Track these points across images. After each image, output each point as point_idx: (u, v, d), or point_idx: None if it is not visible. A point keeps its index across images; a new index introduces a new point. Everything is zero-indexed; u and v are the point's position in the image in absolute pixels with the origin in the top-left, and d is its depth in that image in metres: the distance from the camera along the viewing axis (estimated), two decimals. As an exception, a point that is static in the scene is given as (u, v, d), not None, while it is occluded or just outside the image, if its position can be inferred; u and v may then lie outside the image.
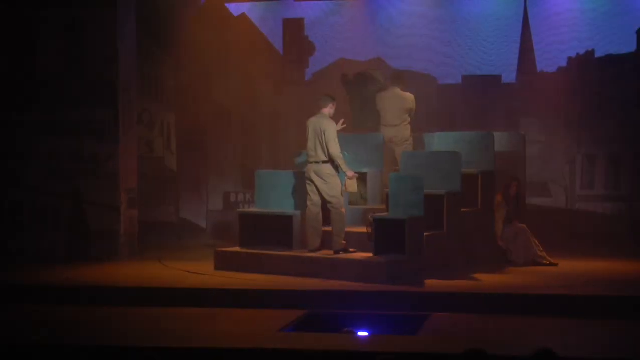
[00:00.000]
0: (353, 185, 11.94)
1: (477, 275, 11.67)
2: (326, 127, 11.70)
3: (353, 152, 13.37)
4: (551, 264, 12.59)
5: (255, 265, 12.22)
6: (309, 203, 11.95)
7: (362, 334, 9.56)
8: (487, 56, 16.51)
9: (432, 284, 11.07)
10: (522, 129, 16.06)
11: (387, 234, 11.59)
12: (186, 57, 16.36)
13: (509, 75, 16.44)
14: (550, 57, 16.25)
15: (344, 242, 11.84)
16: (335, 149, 11.67)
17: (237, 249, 12.74)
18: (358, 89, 14.37)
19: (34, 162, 14.03)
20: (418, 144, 13.80)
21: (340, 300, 10.51)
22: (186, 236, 16.23)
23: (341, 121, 12.22)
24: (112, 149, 13.88)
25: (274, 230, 12.64)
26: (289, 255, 12.11)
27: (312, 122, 11.87)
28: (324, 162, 11.73)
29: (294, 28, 17.05)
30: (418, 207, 11.68)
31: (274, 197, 12.79)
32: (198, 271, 12.33)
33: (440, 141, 13.42)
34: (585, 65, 15.95)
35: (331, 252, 11.86)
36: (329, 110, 11.90)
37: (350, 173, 11.82)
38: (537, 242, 12.81)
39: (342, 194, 11.85)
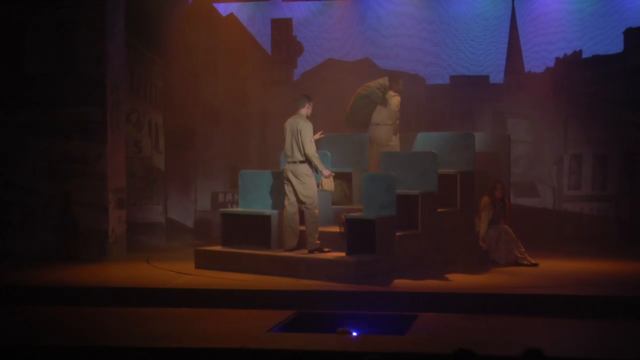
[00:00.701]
0: (330, 184, 12.11)
1: (452, 275, 11.71)
2: (302, 127, 11.84)
3: (339, 152, 13.46)
4: (531, 265, 12.62)
5: (233, 264, 12.35)
6: (286, 203, 12.10)
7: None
8: (475, 56, 16.52)
9: (402, 283, 11.10)
10: (509, 129, 16.08)
11: (359, 234, 11.68)
12: (174, 57, 16.35)
13: (497, 76, 16.45)
14: (538, 58, 16.27)
15: (318, 241, 11.97)
16: (311, 149, 11.79)
17: (216, 248, 12.90)
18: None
19: (23, 162, 14.00)
20: (405, 144, 13.82)
21: (327, 300, 10.52)
22: (174, 236, 16.22)
23: (319, 132, 12.33)
24: (101, 149, 13.86)
25: (254, 229, 12.78)
26: (263, 255, 12.24)
27: (290, 123, 12.03)
28: (301, 162, 11.88)
29: (282, 28, 17.03)
30: (390, 206, 11.77)
31: (257, 196, 12.93)
32: (185, 271, 12.32)
33: (422, 141, 13.47)
34: (573, 65, 15.97)
35: (307, 251, 12.01)
36: (305, 110, 12.07)
37: (326, 172, 12.01)
38: (519, 242, 12.84)
39: (317, 192, 12.00)
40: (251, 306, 10.50)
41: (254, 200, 12.92)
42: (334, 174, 12.26)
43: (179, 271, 12.34)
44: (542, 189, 16.14)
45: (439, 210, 12.49)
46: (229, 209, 14.45)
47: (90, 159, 13.86)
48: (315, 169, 11.92)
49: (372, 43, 16.75)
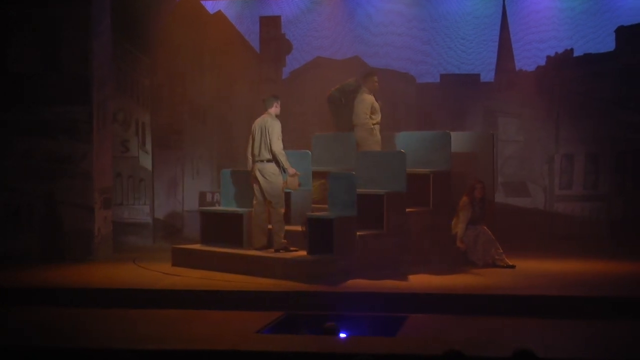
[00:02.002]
0: (294, 183, 12.37)
1: (419, 276, 11.76)
2: (270, 125, 12.19)
3: (326, 151, 13.54)
4: (508, 266, 12.55)
5: (204, 262, 12.66)
6: (254, 202, 12.46)
7: (340, 335, 9.57)
8: (466, 55, 16.54)
9: (355, 283, 11.21)
10: (500, 128, 16.12)
11: (320, 233, 11.84)
12: (161, 56, 16.33)
13: (488, 74, 16.47)
14: (529, 56, 16.30)
15: (284, 240, 12.21)
16: (278, 146, 12.12)
17: (189, 245, 13.33)
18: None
19: (8, 161, 13.97)
20: (387, 143, 13.83)
21: (317, 302, 10.54)
22: (161, 237, 16.20)
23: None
24: (87, 148, 13.85)
25: (230, 228, 13.01)
26: (230, 253, 12.53)
27: (258, 123, 12.39)
28: (268, 160, 12.21)
29: (270, 26, 17.03)
30: (351, 206, 11.91)
31: (238, 195, 13.22)
32: (172, 272, 12.33)
33: (402, 140, 13.49)
34: (564, 64, 16.00)
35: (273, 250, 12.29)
36: (274, 110, 12.42)
37: (291, 170, 12.29)
38: (497, 244, 12.78)
39: (283, 190, 12.27)
40: (240, 307, 10.52)
41: (235, 199, 13.23)
42: (299, 174, 12.45)
43: (166, 272, 12.35)
44: (533, 189, 16.18)
45: (407, 210, 12.51)
46: (208, 207, 14.73)
47: (76, 158, 13.85)
48: (281, 167, 12.19)
49: (361, 41, 16.75)
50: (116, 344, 8.69)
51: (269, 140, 12.14)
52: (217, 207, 13.59)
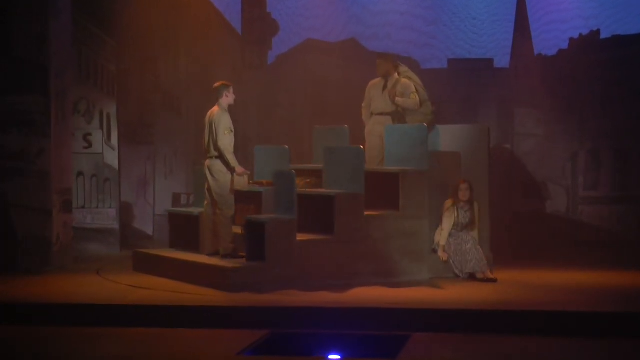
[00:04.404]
0: (241, 183, 12.65)
1: (370, 289, 11.74)
2: (218, 119, 12.39)
3: (320, 146, 13.56)
4: (489, 280, 12.38)
5: (159, 268, 13.01)
6: (205, 202, 12.66)
7: (334, 357, 9.55)
8: (477, 37, 16.59)
9: (288, 295, 11.29)
10: (516, 120, 16.15)
11: (257, 238, 11.94)
12: (130, 38, 16.32)
13: (502, 59, 16.52)
14: (549, 39, 16.35)
15: (231, 244, 12.37)
16: (224, 141, 12.30)
17: (149, 250, 13.87)
18: None
19: (-48, 158, 13.94)
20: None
21: (305, 320, 10.53)
22: (129, 244, 16.17)
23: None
24: (44, 143, 13.80)
25: (194, 231, 13.30)
26: (178, 259, 12.84)
27: (208, 116, 12.60)
28: (217, 157, 12.39)
29: (254, 4, 17.05)
30: (290, 208, 12.02)
31: None
32: (143, 285, 12.30)
33: (388, 135, 13.43)
34: (589, 47, 16.05)
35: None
36: (224, 99, 12.57)
37: (239, 169, 12.45)
38: (481, 254, 12.64)
39: (231, 191, 12.43)
40: (219, 325, 10.49)
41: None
42: (248, 172, 12.69)
43: (135, 285, 12.32)
44: (554, 190, 16.21)
45: (367, 213, 12.46)
46: (174, 208, 15.05)
47: (30, 154, 13.79)
48: (229, 166, 12.33)
49: (358, 21, 16.79)
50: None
51: (216, 135, 12.29)
52: (181, 209, 13.94)
